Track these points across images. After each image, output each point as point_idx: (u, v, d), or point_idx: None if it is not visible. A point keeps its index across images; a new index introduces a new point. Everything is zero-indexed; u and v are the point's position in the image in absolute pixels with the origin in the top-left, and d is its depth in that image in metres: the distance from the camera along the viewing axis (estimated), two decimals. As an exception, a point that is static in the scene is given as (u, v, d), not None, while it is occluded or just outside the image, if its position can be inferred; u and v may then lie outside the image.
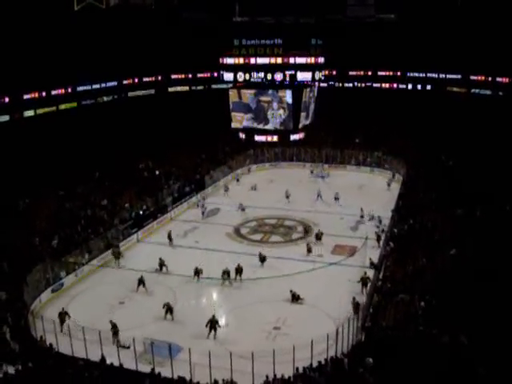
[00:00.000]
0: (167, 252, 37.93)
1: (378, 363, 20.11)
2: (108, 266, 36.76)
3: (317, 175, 59.96)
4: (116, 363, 22.92)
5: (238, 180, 58.09)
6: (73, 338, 25.19)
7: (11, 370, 22.13)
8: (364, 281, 32.07)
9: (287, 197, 50.98)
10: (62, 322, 27.49)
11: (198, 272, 33.40)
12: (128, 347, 25.00)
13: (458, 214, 36.98)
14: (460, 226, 34.77)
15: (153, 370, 22.32)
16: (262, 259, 35.99)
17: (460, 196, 39.67)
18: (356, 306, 29.78)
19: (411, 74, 70.02)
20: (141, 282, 32.67)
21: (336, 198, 48.99)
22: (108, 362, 23.15)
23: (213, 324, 27.18)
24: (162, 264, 35.64)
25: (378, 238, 39.05)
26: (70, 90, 59.19)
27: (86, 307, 30.74)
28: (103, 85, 63.82)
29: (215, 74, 67.14)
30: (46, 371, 21.97)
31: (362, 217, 45.06)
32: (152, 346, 23.83)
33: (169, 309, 29.46)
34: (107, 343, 24.89)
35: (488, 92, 63.00)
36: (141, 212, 44.25)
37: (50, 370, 22.07)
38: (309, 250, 37.72)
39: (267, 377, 21.63)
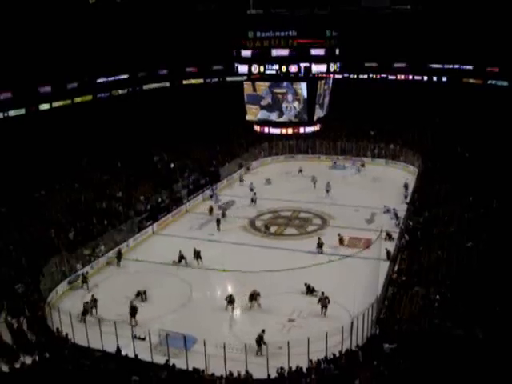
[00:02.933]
0: (182, 244, 37.94)
1: (393, 355, 20.12)
2: (124, 258, 36.96)
3: (336, 167, 59.92)
4: (131, 354, 23.14)
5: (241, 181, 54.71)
6: (89, 330, 25.40)
7: (28, 360, 22.46)
8: None
9: (300, 171, 55.48)
10: (86, 312, 27.43)
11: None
12: (143, 339, 25.15)
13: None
14: (476, 219, 34.53)
15: (167, 361, 22.50)
16: None
17: (476, 188, 39.40)
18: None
19: (427, 66, 69.26)
20: (140, 294, 31.00)
21: (327, 190, 48.73)
22: (123, 353, 23.38)
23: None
24: (181, 257, 35.68)
25: (388, 235, 37.94)
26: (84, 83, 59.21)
27: (101, 299, 30.86)
28: (118, 78, 63.86)
29: (230, 67, 67.01)
30: (63, 362, 22.19)
31: (325, 189, 48.35)
32: (167, 338, 23.94)
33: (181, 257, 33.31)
34: (123, 335, 25.04)
35: (505, 83, 62.16)
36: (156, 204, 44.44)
37: (67, 360, 22.28)
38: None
39: (281, 368, 21.70)
